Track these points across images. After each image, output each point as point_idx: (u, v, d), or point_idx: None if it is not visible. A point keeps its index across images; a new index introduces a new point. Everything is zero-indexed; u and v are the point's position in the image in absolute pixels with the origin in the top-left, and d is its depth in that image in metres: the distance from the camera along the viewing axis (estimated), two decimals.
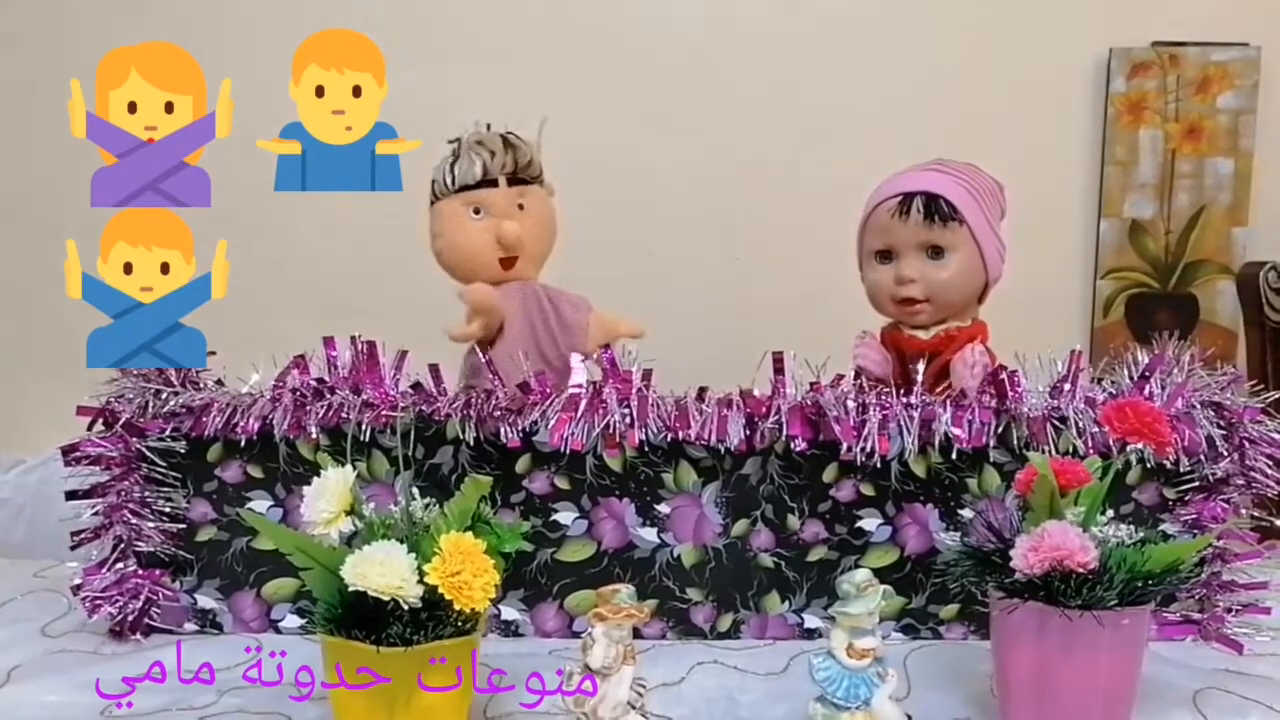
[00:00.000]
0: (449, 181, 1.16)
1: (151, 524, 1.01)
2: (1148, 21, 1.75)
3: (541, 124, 1.19)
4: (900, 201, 1.08)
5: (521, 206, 1.17)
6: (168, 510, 1.02)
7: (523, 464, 1.01)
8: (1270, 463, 0.98)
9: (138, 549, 1.02)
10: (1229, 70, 1.74)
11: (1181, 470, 0.99)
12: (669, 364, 1.02)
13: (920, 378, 1.00)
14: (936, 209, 1.07)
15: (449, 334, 1.15)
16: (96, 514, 1.01)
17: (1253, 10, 1.75)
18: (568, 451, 0.99)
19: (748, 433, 0.99)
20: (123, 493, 1.01)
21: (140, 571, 1.02)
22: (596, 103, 1.74)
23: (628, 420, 0.99)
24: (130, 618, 1.01)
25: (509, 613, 1.03)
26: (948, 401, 0.98)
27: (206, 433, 1.01)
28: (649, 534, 1.02)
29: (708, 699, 0.90)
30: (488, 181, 1.16)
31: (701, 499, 1.01)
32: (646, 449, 1.00)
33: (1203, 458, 0.98)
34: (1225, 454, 0.98)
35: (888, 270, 1.11)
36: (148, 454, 1.01)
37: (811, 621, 1.03)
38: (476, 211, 1.16)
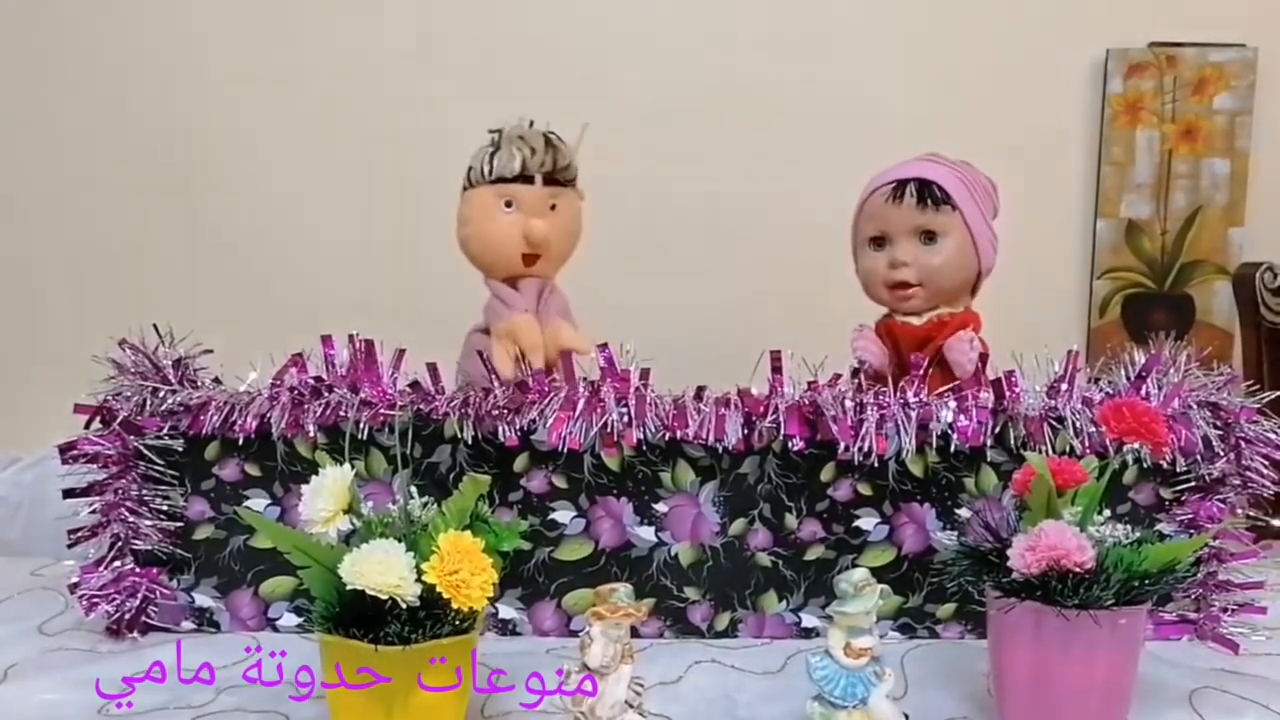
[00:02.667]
0: (485, 171, 1.15)
1: (149, 522, 1.01)
2: (1145, 22, 1.75)
3: (582, 130, 1.18)
4: (895, 187, 1.10)
5: (553, 207, 1.17)
6: (165, 508, 1.02)
7: (521, 463, 1.01)
8: (1266, 463, 0.98)
9: (135, 547, 1.02)
10: (1225, 71, 1.73)
11: (1178, 470, 0.99)
12: (667, 363, 1.02)
13: (923, 367, 1.01)
14: (930, 193, 1.08)
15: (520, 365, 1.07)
16: (94, 512, 1.01)
17: (1250, 11, 1.75)
18: (565, 450, 0.99)
19: (745, 432, 0.99)
20: (120, 491, 1.01)
21: (138, 570, 1.02)
22: (592, 97, 1.74)
23: (625, 419, 0.99)
24: (127, 616, 1.01)
25: (506, 611, 1.03)
26: (947, 396, 0.99)
27: (204, 431, 1.01)
28: (647, 533, 1.02)
29: (705, 698, 0.90)
30: (524, 177, 1.15)
31: (699, 498, 1.01)
32: (644, 448, 1.00)
33: (1199, 458, 0.98)
34: (1221, 454, 0.98)
35: (881, 256, 1.12)
36: (145, 452, 1.01)
37: (809, 620, 1.03)
38: (508, 204, 1.15)
